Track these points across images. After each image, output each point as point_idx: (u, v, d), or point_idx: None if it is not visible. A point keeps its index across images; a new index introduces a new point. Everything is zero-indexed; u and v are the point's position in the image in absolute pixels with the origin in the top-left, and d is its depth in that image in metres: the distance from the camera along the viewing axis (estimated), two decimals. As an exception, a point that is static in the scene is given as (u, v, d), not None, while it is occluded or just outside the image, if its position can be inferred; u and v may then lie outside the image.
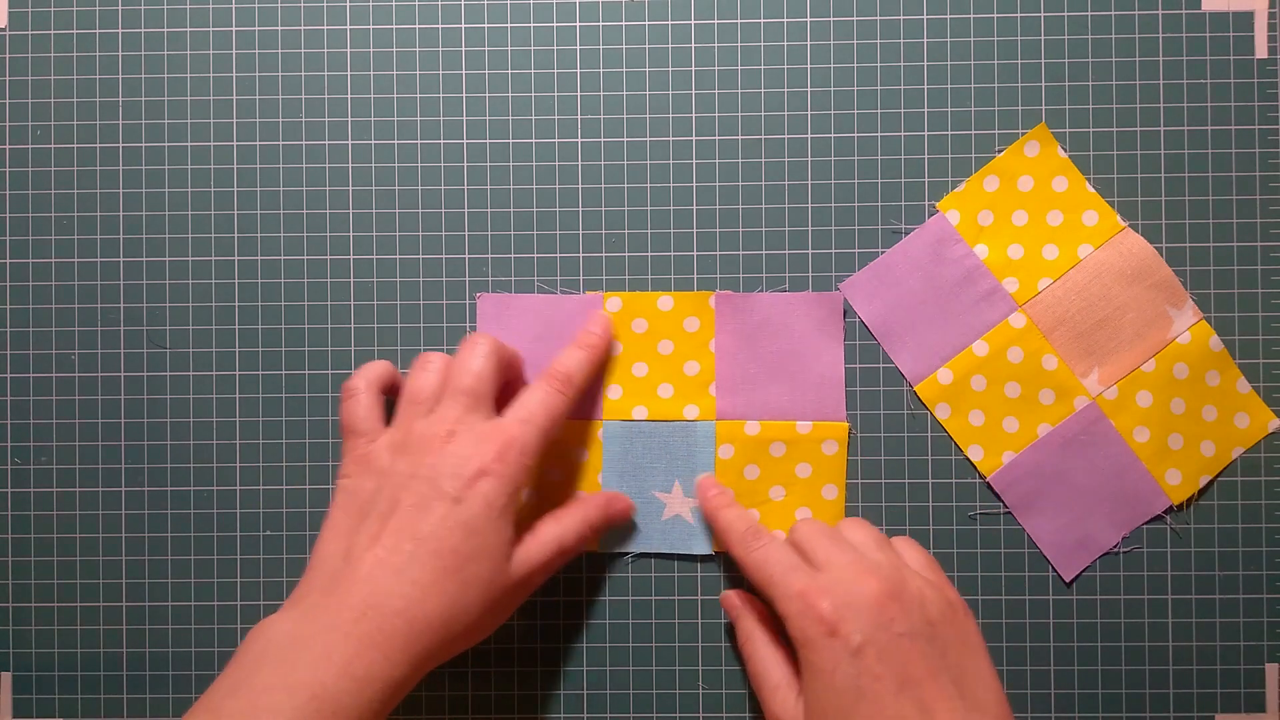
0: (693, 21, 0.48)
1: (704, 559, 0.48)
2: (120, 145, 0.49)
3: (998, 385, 0.47)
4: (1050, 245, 0.47)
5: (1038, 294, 0.47)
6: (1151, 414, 0.47)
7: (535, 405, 0.43)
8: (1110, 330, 0.47)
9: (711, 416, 0.48)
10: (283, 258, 0.48)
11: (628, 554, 0.48)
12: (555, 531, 0.43)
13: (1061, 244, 0.47)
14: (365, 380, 0.44)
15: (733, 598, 0.46)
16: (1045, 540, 0.47)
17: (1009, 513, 0.47)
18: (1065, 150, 0.48)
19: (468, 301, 0.48)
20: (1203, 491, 0.47)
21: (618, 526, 0.47)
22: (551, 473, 0.48)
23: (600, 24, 0.48)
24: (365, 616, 0.37)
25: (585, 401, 0.48)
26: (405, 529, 0.39)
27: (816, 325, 0.47)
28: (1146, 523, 0.47)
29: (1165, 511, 0.47)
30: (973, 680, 0.38)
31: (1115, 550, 0.47)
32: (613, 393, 0.48)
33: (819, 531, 0.42)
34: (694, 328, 0.48)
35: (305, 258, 0.48)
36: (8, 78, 0.49)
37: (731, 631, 0.47)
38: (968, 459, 0.47)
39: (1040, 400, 0.47)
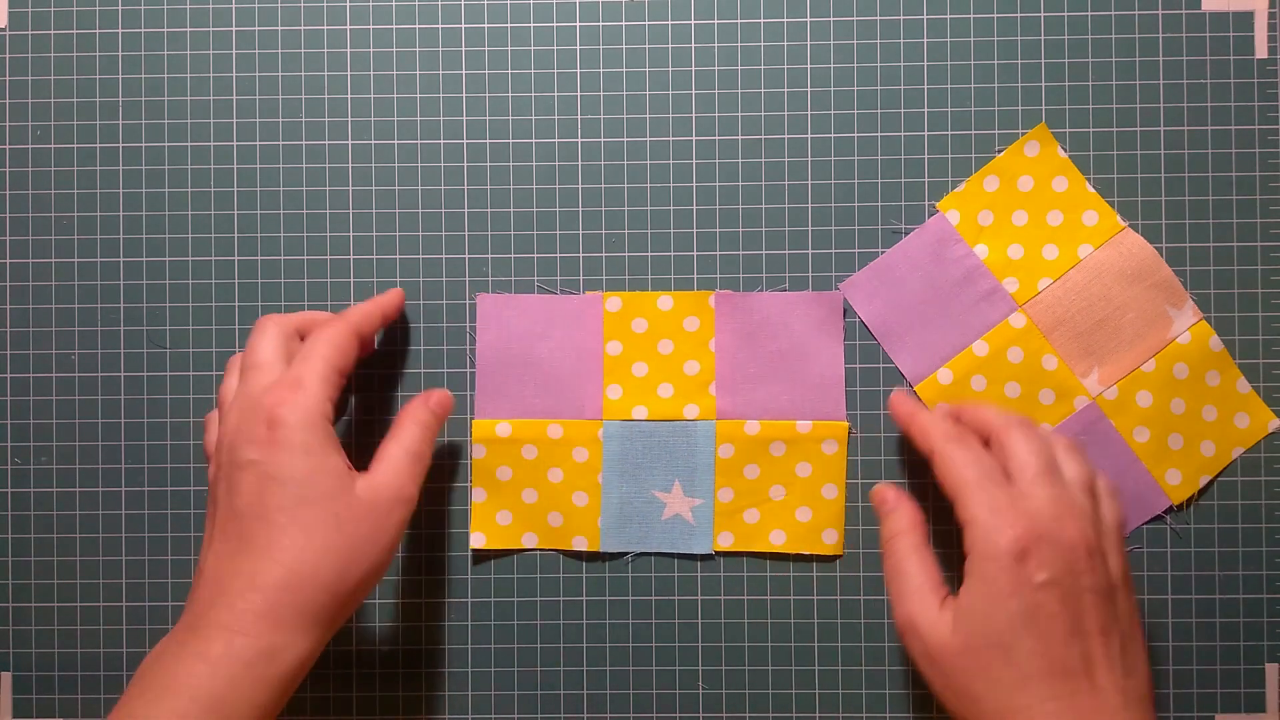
0: (693, 21, 0.48)
1: (704, 558, 0.48)
2: (120, 145, 0.49)
3: (998, 385, 0.47)
4: (1050, 245, 0.47)
5: (1038, 294, 0.47)
6: (1151, 414, 0.47)
7: (311, 344, 0.42)
8: (1110, 330, 0.47)
9: (712, 416, 0.48)
10: (283, 258, 0.48)
11: (628, 554, 0.48)
12: (395, 448, 0.42)
13: (1061, 244, 0.47)
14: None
15: (885, 492, 0.44)
16: None
17: None
18: (1065, 150, 0.48)
19: (467, 301, 0.48)
20: (1203, 491, 0.47)
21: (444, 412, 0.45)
22: (552, 473, 0.48)
23: (600, 24, 0.48)
24: (214, 608, 0.38)
25: (584, 400, 0.48)
26: (229, 514, 0.39)
27: (816, 325, 0.47)
28: (1146, 523, 0.47)
29: (1165, 511, 0.47)
30: (1133, 649, 0.39)
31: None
32: (612, 392, 0.48)
33: (1033, 452, 0.40)
34: (694, 327, 0.48)
35: (305, 258, 0.48)
36: (8, 78, 0.49)
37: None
38: None
39: (1040, 400, 0.47)
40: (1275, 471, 0.48)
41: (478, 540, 0.48)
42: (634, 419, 0.48)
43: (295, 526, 0.38)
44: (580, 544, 0.48)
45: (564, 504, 0.48)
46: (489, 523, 0.48)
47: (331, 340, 0.41)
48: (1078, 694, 0.37)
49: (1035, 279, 0.47)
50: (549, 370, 0.48)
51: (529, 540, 0.48)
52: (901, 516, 0.43)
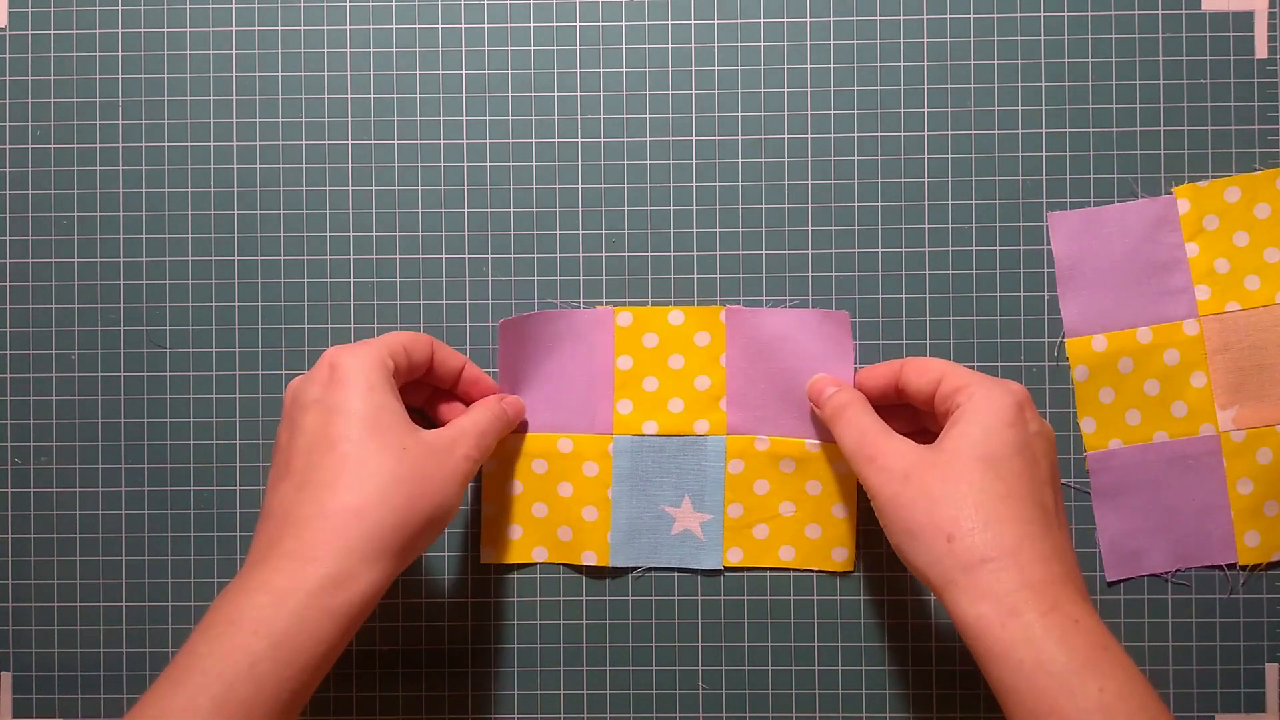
0: (693, 21, 0.48)
1: (712, 573, 0.48)
2: (120, 145, 0.49)
3: (1141, 376, 0.47)
4: (1254, 276, 0.47)
5: (1222, 312, 0.47)
6: (1265, 472, 0.47)
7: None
8: (1270, 379, 0.46)
9: (722, 431, 0.47)
10: (282, 258, 0.48)
11: (636, 569, 0.48)
12: (464, 419, 0.43)
13: (1266, 279, 0.47)
14: None
15: (823, 379, 0.46)
16: (1107, 535, 0.47)
17: (1088, 494, 0.47)
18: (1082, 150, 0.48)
19: (468, 301, 0.48)
20: (1271, 566, 0.47)
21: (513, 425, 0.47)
22: (562, 487, 0.48)
23: (600, 24, 0.48)
24: (280, 540, 0.37)
25: (594, 415, 0.48)
26: (293, 453, 0.39)
27: (825, 342, 0.47)
28: (1202, 567, 0.47)
29: (1227, 565, 0.47)
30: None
31: (1164, 577, 0.47)
32: (623, 407, 0.47)
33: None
34: (704, 342, 0.47)
35: (305, 258, 0.48)
36: (8, 78, 0.49)
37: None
38: (1077, 427, 0.47)
39: (1171, 410, 0.47)
40: (1275, 471, 0.48)
41: (488, 554, 0.48)
42: (644, 434, 0.47)
43: (363, 454, 0.38)
44: (589, 559, 0.48)
45: (573, 518, 0.48)
46: (499, 537, 0.48)
47: (402, 334, 0.44)
48: (1050, 528, 0.38)
49: (1226, 298, 0.47)
50: (559, 385, 0.48)
51: (539, 554, 0.48)
52: (845, 391, 0.44)
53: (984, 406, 0.40)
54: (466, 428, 0.42)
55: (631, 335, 0.47)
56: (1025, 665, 0.35)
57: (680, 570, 0.48)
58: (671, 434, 0.47)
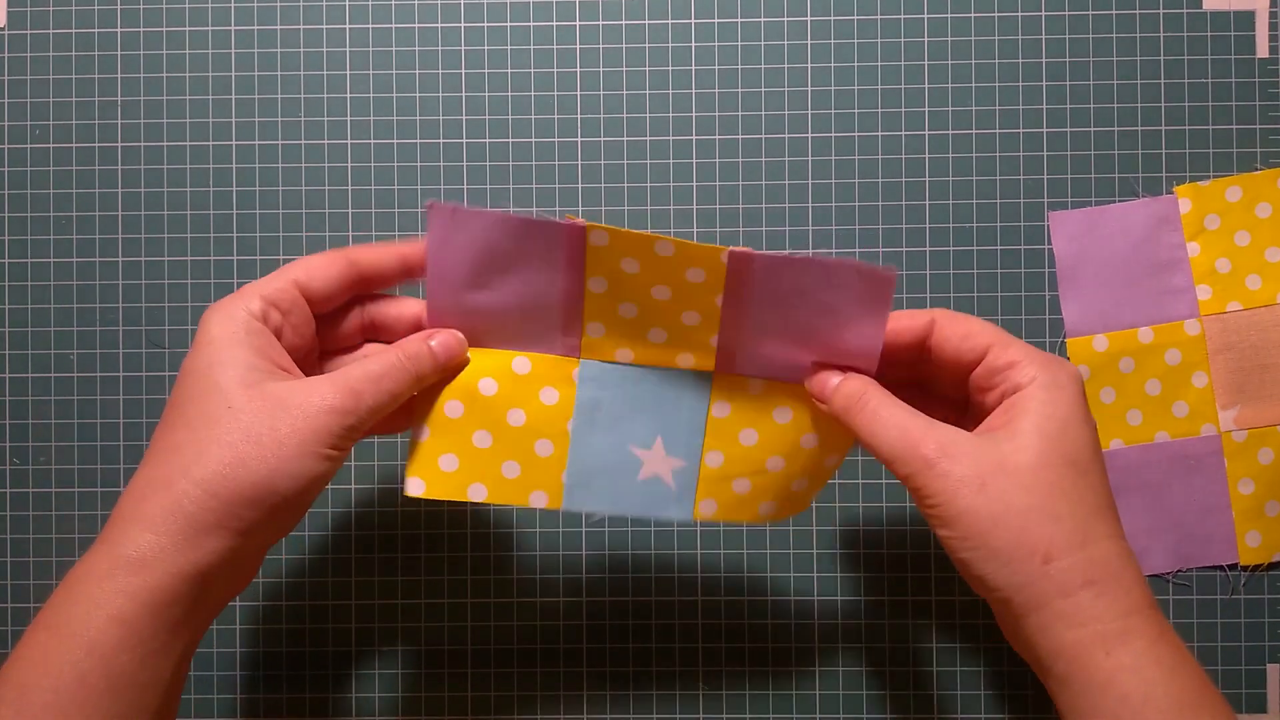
0: (693, 21, 0.48)
1: (683, 528, 0.47)
2: (119, 144, 0.49)
3: (1142, 376, 0.47)
4: (1256, 275, 0.47)
5: (1223, 312, 0.47)
6: (1265, 472, 0.47)
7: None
8: (1270, 379, 0.46)
9: (709, 367, 0.40)
10: (281, 257, 0.48)
11: (597, 514, 0.44)
12: (355, 364, 0.37)
13: (1267, 279, 0.47)
14: None
15: (827, 373, 0.38)
16: None
17: None
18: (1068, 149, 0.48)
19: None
20: (1273, 566, 0.47)
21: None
22: (512, 414, 0.40)
23: (600, 24, 0.48)
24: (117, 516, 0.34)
25: (558, 334, 0.40)
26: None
27: (860, 301, 0.37)
28: (1203, 568, 0.47)
29: (1228, 566, 0.47)
30: None
31: (1165, 577, 0.47)
32: (593, 330, 0.40)
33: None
34: (698, 279, 0.38)
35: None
36: (6, 77, 0.49)
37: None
38: None
39: (1173, 410, 0.47)
40: (1277, 472, 0.48)
41: (415, 487, 0.39)
42: (617, 361, 0.40)
43: (177, 419, 0.34)
44: (539, 500, 0.40)
45: (523, 452, 0.40)
46: (430, 467, 0.39)
47: (304, 259, 0.38)
48: (1119, 535, 0.35)
49: (1228, 298, 0.47)
50: (518, 293, 0.39)
51: (475, 492, 0.40)
52: (854, 377, 0.38)
53: (1056, 394, 0.35)
54: (345, 374, 0.36)
55: (608, 256, 0.38)
56: (1132, 698, 0.32)
57: (642, 524, 0.47)
58: (649, 364, 0.40)
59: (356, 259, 0.38)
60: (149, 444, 0.35)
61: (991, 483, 0.33)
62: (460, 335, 0.39)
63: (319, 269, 0.37)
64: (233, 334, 0.35)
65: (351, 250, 0.38)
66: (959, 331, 0.37)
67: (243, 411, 0.34)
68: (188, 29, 0.49)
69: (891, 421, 0.36)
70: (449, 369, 0.39)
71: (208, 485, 0.33)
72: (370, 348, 0.40)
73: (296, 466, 0.34)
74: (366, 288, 0.39)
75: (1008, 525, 0.33)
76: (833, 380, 0.38)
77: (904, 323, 0.38)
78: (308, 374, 0.37)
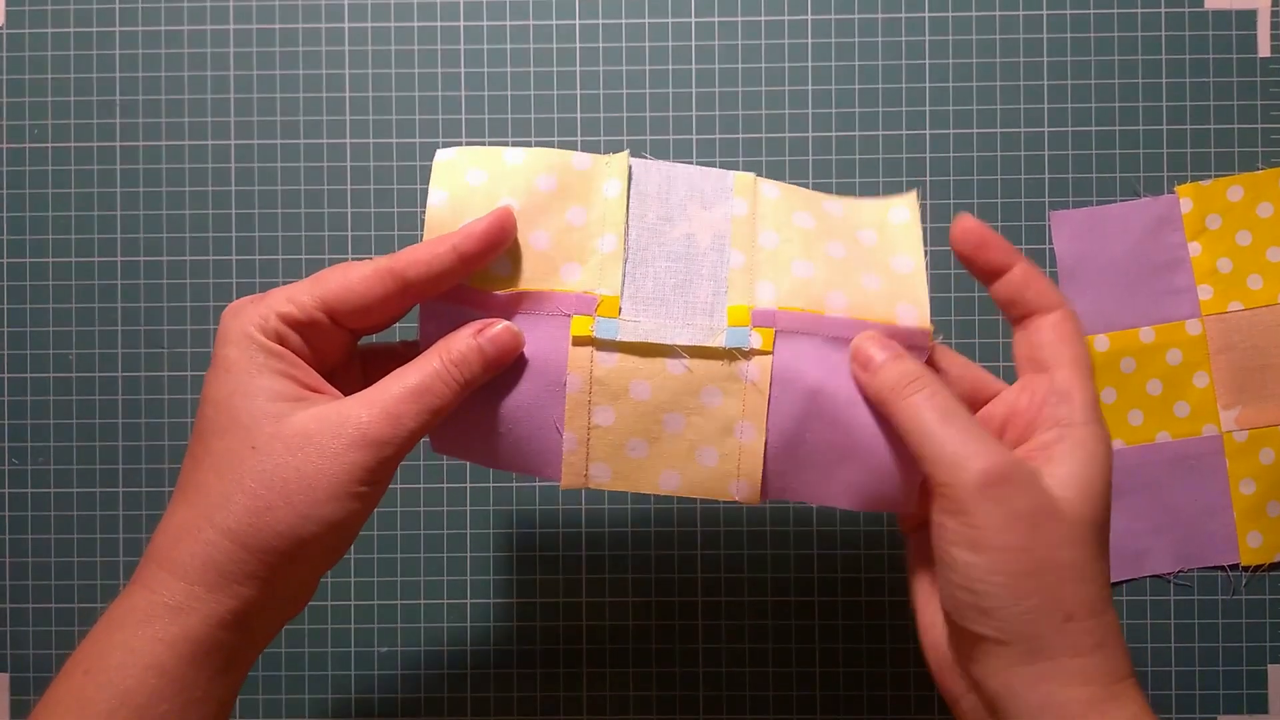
0: (693, 20, 0.48)
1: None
2: (118, 144, 0.48)
3: (1143, 375, 0.47)
4: (1258, 275, 0.47)
5: (1225, 312, 0.47)
6: (1266, 472, 0.46)
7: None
8: (1271, 380, 0.46)
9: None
10: (281, 258, 0.48)
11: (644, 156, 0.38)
12: (392, 379, 0.33)
13: (1269, 279, 0.47)
14: None
15: (871, 343, 0.34)
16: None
17: None
18: (1070, 149, 0.48)
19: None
20: (1274, 566, 0.47)
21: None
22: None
23: (600, 22, 0.48)
24: (149, 560, 0.32)
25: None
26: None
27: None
28: (1204, 568, 0.47)
29: (1230, 566, 0.47)
30: None
31: (1166, 578, 0.47)
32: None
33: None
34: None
35: (304, 257, 0.48)
36: (6, 77, 0.49)
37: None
38: None
39: (1174, 410, 0.47)
40: (1278, 472, 0.48)
41: (438, 198, 0.35)
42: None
43: (206, 456, 0.32)
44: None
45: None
46: (457, 180, 0.35)
47: (344, 274, 0.33)
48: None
49: (1230, 298, 0.47)
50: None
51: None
52: (906, 359, 0.34)
53: (1100, 450, 0.33)
54: (377, 395, 0.32)
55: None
56: None
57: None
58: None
59: (403, 273, 0.33)
60: (180, 472, 0.33)
61: (1044, 527, 0.31)
62: (514, 327, 0.34)
63: (358, 290, 0.33)
64: (252, 359, 0.32)
65: (399, 262, 0.33)
66: (1048, 320, 0.34)
67: (266, 453, 0.31)
68: (187, 29, 0.49)
69: (954, 423, 0.32)
70: (501, 369, 0.35)
71: (235, 536, 0.31)
72: (408, 346, 0.36)
73: (326, 511, 0.31)
74: (419, 299, 0.35)
75: (1044, 576, 0.31)
76: (879, 354, 0.34)
77: (995, 253, 0.35)
78: (345, 381, 0.35)
